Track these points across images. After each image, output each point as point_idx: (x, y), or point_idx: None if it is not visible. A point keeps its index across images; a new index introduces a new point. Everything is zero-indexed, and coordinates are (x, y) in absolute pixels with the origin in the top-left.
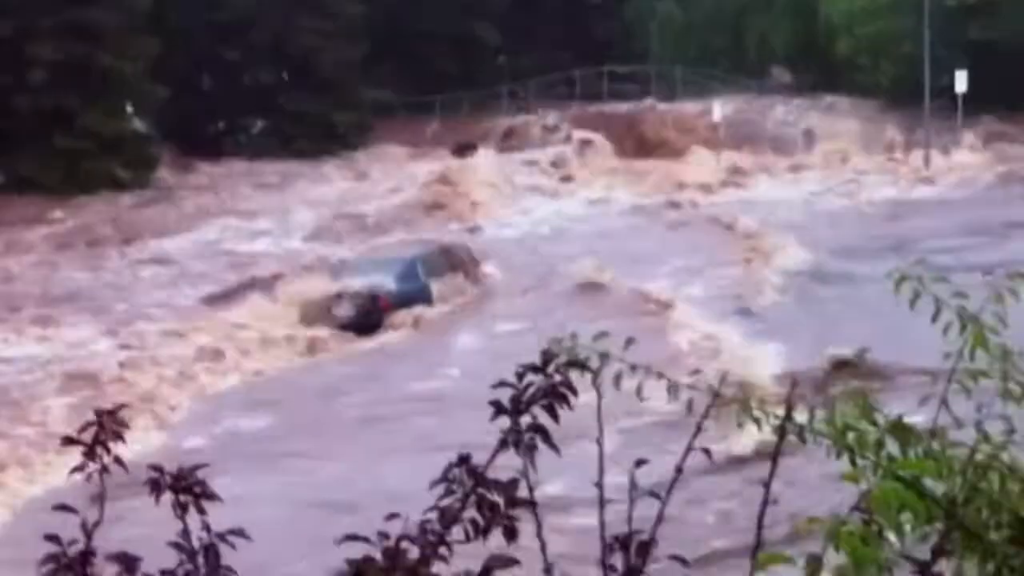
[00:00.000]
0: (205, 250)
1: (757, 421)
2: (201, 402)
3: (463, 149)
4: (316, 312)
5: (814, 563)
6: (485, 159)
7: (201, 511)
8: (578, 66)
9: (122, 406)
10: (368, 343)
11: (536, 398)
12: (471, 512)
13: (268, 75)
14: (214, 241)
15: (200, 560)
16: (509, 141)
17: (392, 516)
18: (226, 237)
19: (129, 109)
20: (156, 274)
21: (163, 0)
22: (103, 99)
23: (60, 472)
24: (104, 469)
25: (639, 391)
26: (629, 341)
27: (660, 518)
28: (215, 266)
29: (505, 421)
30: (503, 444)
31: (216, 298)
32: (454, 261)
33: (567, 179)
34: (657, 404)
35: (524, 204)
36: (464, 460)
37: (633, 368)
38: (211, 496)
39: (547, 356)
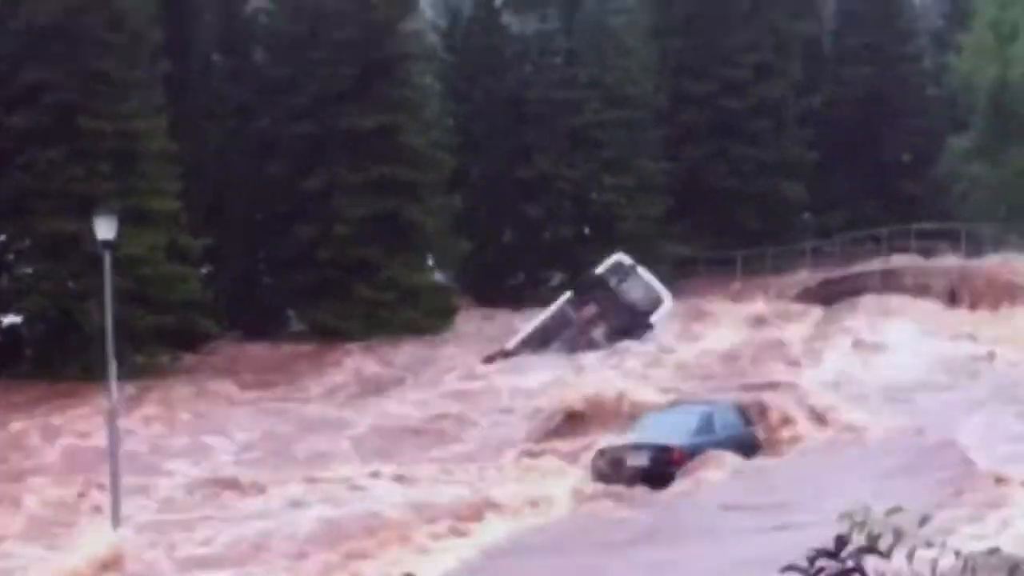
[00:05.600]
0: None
1: None
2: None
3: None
4: (608, 463)
5: None
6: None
7: None
8: (885, 223)
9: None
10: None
11: None
12: None
13: (568, 229)
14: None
15: None
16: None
17: None
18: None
19: (430, 262)
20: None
21: (468, 158)
22: (406, 252)
23: None
24: None
25: (934, 569)
26: (924, 519)
27: None
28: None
29: None
30: None
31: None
32: (751, 415)
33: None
34: None
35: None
36: None
37: (929, 545)
38: None
39: (840, 542)
